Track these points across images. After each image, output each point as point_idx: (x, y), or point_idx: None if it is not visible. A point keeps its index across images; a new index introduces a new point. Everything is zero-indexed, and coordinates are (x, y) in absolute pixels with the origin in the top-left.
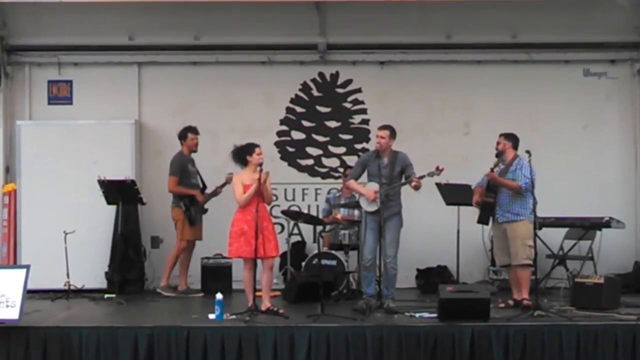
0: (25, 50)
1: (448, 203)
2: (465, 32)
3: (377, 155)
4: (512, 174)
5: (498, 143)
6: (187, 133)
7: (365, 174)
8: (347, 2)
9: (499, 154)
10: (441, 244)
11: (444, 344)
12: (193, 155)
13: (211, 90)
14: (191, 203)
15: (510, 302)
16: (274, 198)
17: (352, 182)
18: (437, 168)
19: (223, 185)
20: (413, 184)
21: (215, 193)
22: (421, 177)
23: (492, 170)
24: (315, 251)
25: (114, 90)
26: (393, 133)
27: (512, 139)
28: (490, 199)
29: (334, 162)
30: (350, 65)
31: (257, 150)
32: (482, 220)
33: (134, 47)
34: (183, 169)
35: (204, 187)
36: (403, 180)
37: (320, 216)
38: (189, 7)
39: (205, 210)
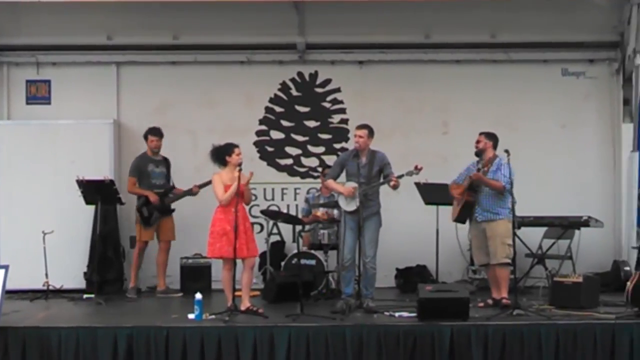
0: (3, 50)
1: (427, 203)
2: (444, 31)
3: (355, 155)
4: (492, 173)
5: (478, 142)
6: (148, 135)
7: (343, 174)
8: (326, 2)
9: (479, 153)
10: (420, 244)
11: (423, 344)
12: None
13: (190, 90)
14: (145, 204)
15: (490, 301)
16: (253, 198)
17: (330, 182)
18: (416, 167)
19: (204, 184)
20: (392, 183)
21: (191, 192)
22: (400, 177)
23: (479, 170)
24: (295, 251)
25: (92, 90)
26: (371, 132)
27: (493, 139)
28: (472, 198)
29: (313, 162)
30: (329, 64)
31: (236, 150)
32: (461, 219)
33: (112, 46)
34: (141, 170)
35: (172, 187)
36: (382, 180)
37: (300, 216)
38: (167, 6)
39: (171, 210)
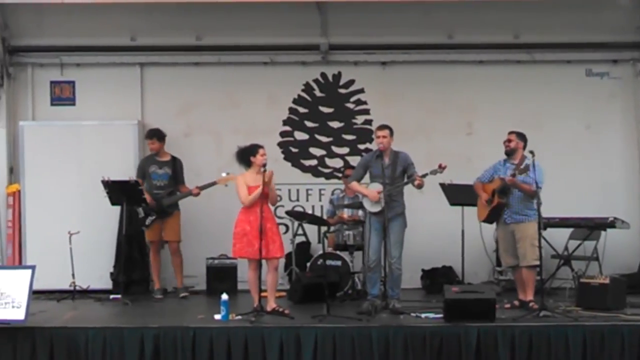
0: (27, 51)
1: (452, 203)
2: (467, 32)
3: (378, 156)
4: (522, 177)
5: (510, 141)
6: (145, 138)
7: (367, 175)
8: (349, 3)
9: (510, 152)
10: (446, 245)
11: (449, 345)
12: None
13: (214, 91)
14: (142, 205)
15: (516, 302)
16: (278, 199)
17: (354, 184)
18: (440, 166)
19: (206, 186)
20: (416, 182)
21: (192, 193)
22: (424, 176)
23: (513, 175)
24: (320, 252)
25: (116, 91)
26: (392, 132)
27: (524, 139)
28: (503, 200)
29: (337, 163)
30: (352, 65)
31: (260, 151)
32: (489, 220)
33: (136, 47)
34: (143, 171)
35: (174, 190)
36: (405, 180)
37: (324, 217)
38: (191, 7)
39: (169, 212)
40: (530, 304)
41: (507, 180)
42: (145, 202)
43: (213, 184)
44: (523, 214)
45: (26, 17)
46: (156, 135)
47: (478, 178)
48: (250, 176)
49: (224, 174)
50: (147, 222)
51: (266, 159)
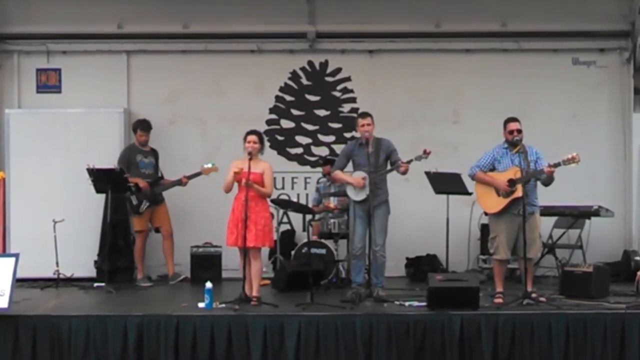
0: (13, 39)
1: (437, 192)
2: (455, 20)
3: (361, 144)
4: (534, 164)
5: (520, 131)
6: (137, 129)
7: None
8: None
9: (518, 142)
10: (431, 233)
11: (433, 333)
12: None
13: (200, 79)
14: (132, 192)
15: (501, 296)
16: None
17: (338, 173)
18: (425, 151)
19: (193, 175)
20: (401, 169)
21: (180, 182)
22: (409, 162)
23: (556, 166)
24: (305, 240)
25: (103, 78)
26: (373, 119)
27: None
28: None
29: (323, 151)
30: (340, 53)
31: (247, 137)
32: (503, 212)
33: (123, 35)
34: (130, 160)
35: (161, 177)
36: (389, 167)
37: (310, 205)
38: None
39: (161, 200)
40: (534, 295)
41: (547, 171)
42: (138, 188)
43: (198, 174)
44: (533, 204)
45: (13, 4)
46: (149, 127)
47: (477, 166)
48: (241, 162)
49: (209, 165)
50: (142, 208)
51: (252, 146)
